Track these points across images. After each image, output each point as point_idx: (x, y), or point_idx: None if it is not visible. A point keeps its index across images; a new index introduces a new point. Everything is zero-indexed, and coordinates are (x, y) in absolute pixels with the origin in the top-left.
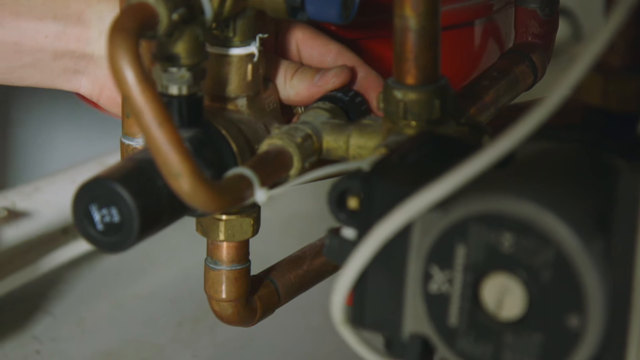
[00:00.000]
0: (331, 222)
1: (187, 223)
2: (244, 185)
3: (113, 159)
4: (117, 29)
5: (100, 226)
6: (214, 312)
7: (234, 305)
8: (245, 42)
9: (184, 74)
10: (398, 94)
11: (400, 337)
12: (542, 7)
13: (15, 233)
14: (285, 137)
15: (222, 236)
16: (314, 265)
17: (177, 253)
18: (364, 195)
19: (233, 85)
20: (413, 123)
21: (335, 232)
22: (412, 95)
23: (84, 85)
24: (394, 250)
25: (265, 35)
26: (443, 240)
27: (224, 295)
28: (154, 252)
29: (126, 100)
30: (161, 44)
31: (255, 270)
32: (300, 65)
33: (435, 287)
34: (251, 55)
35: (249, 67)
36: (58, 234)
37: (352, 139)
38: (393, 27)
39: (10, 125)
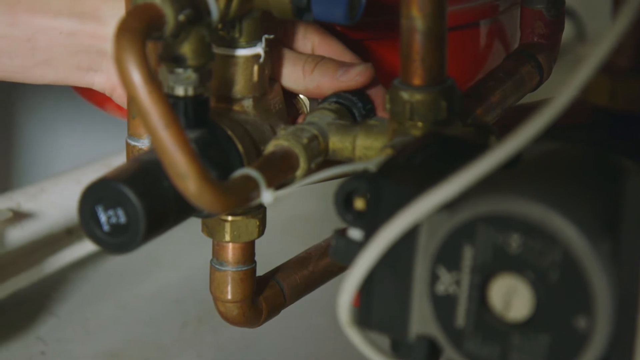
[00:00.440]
0: (336, 222)
1: (192, 224)
2: (251, 186)
3: (118, 160)
4: (124, 30)
5: (106, 227)
6: (220, 313)
7: (239, 306)
8: (252, 43)
9: (190, 75)
10: (404, 95)
11: (406, 338)
12: (548, 7)
13: (20, 234)
14: (291, 138)
15: (227, 237)
16: (319, 266)
17: (181, 254)
18: (370, 196)
19: (239, 86)
20: (419, 124)
21: (341, 233)
22: (418, 96)
23: (97, 82)
24: (401, 252)
25: (272, 36)
26: (450, 242)
27: (229, 296)
28: (158, 253)
29: (133, 101)
30: (167, 45)
31: (260, 270)
32: (321, 59)
33: (442, 288)
34: (257, 56)
35: (255, 67)
36: (63, 234)
37: (358, 139)
38: (399, 27)
39: (15, 126)
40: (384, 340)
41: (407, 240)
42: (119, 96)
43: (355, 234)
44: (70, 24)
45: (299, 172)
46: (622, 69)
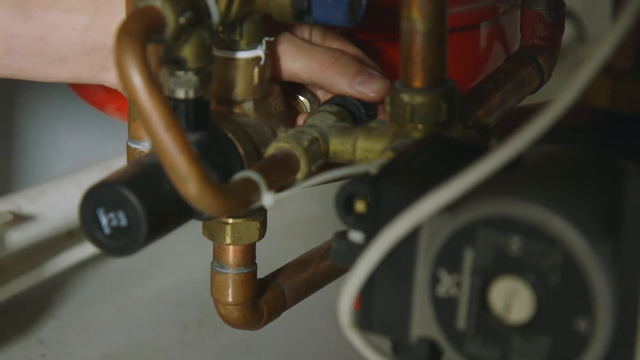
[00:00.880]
0: (337, 224)
1: (192, 226)
2: (251, 189)
3: (119, 162)
4: (125, 33)
5: (107, 230)
6: (221, 315)
7: (240, 309)
8: (252, 46)
9: (191, 77)
10: (405, 97)
11: (407, 341)
12: (548, 9)
13: (21, 236)
14: (292, 141)
15: (228, 240)
16: (320, 268)
17: (182, 256)
18: (371, 199)
19: (239, 89)
20: (420, 126)
21: (342, 236)
22: (419, 98)
23: (110, 79)
24: (402, 254)
25: (272, 39)
26: (451, 244)
27: (230, 299)
28: (159, 255)
29: (133, 104)
30: (168, 47)
31: (260, 273)
32: (341, 54)
33: (443, 290)
34: (258, 58)
35: (256, 70)
36: (63, 237)
37: (359, 142)
38: (400, 29)
39: (15, 129)
40: (385, 343)
41: (408, 243)
42: None
43: (356, 236)
44: (83, 19)
45: (299, 175)
46: (622, 71)
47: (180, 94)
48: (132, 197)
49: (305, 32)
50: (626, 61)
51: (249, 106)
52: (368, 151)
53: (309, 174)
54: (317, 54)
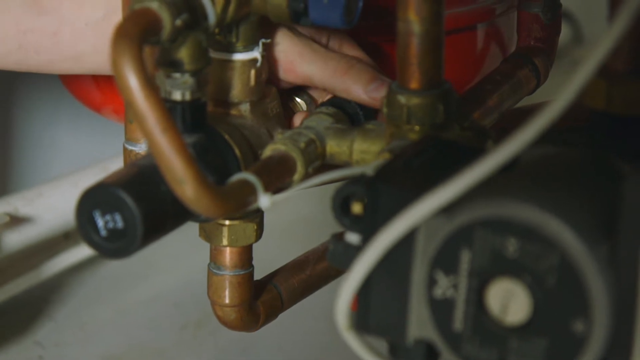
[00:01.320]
0: (333, 226)
1: (189, 227)
2: (248, 191)
3: (116, 164)
4: (121, 35)
5: (103, 232)
6: (218, 317)
7: (237, 311)
8: (248, 48)
9: (187, 79)
10: (402, 99)
11: (404, 343)
12: (545, 11)
13: (18, 238)
14: (288, 142)
15: (225, 241)
16: (316, 269)
17: (179, 257)
18: (368, 200)
19: (236, 91)
20: (417, 127)
21: (338, 237)
22: (415, 100)
23: None
24: (399, 256)
25: (268, 40)
26: (448, 246)
27: (227, 301)
28: (156, 257)
29: (130, 106)
30: (164, 49)
31: (257, 274)
32: (357, 62)
33: (440, 292)
34: (254, 60)
35: (252, 72)
36: (60, 239)
37: (356, 143)
38: (396, 31)
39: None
40: (382, 344)
41: (405, 245)
42: None
43: (352, 238)
44: (96, 14)
45: (296, 177)
46: (618, 72)
47: (177, 95)
48: (129, 199)
49: (323, 38)
50: (622, 63)
51: (245, 108)
52: (365, 153)
53: (306, 176)
54: (332, 59)
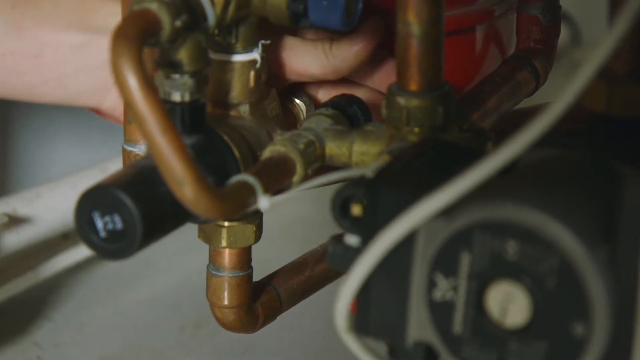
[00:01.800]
0: (332, 227)
1: (188, 228)
2: (247, 192)
3: (114, 165)
4: (120, 36)
5: (103, 233)
6: (216, 318)
7: (236, 312)
8: (248, 49)
9: (187, 80)
10: (401, 101)
11: (404, 345)
12: (544, 12)
13: (16, 239)
14: (288, 144)
15: (224, 243)
16: (315, 271)
17: (177, 258)
18: (367, 202)
19: (235, 92)
20: (416, 129)
21: (338, 239)
22: (415, 102)
23: (108, 100)
24: (398, 258)
25: (268, 42)
26: (447, 248)
27: (226, 302)
28: (154, 258)
29: (129, 107)
30: (164, 50)
31: (255, 275)
32: (332, 37)
33: (439, 294)
34: (254, 61)
35: (252, 73)
36: (59, 239)
37: (355, 145)
38: (396, 33)
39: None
40: (381, 346)
41: (404, 247)
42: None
43: (352, 240)
44: (80, 38)
45: (295, 178)
46: (618, 75)
47: (176, 97)
48: (128, 201)
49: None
50: (622, 65)
51: (245, 109)
52: (364, 154)
53: (305, 177)
54: (318, 43)
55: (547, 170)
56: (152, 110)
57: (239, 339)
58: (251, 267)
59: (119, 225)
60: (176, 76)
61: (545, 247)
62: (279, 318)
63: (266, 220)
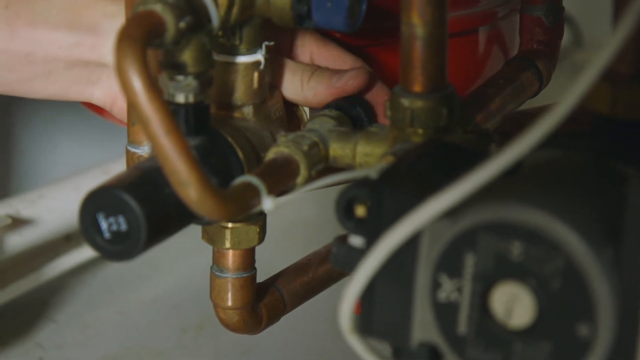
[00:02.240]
0: (336, 228)
1: (191, 229)
2: (251, 194)
3: (117, 166)
4: (125, 38)
5: (107, 235)
6: (220, 319)
7: (239, 313)
8: (252, 50)
9: (191, 82)
10: (405, 102)
11: (408, 346)
12: (547, 14)
13: (19, 240)
14: (291, 145)
15: (228, 244)
16: (319, 272)
17: (180, 259)
18: (371, 203)
19: (239, 93)
20: (420, 131)
21: (342, 240)
22: (419, 103)
23: (96, 96)
24: (403, 259)
25: (272, 43)
26: (452, 249)
27: (230, 303)
28: (157, 259)
29: (133, 108)
30: (168, 52)
31: (259, 276)
32: (317, 68)
33: (444, 295)
34: (257, 63)
35: (255, 74)
36: (61, 241)
37: (359, 146)
38: (400, 34)
39: (13, 133)
40: (385, 347)
41: (409, 248)
42: (119, 110)
43: (356, 241)
44: (70, 38)
45: (299, 179)
46: (622, 77)
47: (180, 98)
48: (132, 202)
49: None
50: (626, 67)
51: (248, 110)
52: (368, 156)
53: (309, 179)
54: (297, 71)
55: (551, 172)
56: (156, 112)
57: (241, 340)
58: (255, 268)
59: (124, 226)
60: (180, 78)
61: (550, 248)
62: (282, 319)
63: (269, 222)
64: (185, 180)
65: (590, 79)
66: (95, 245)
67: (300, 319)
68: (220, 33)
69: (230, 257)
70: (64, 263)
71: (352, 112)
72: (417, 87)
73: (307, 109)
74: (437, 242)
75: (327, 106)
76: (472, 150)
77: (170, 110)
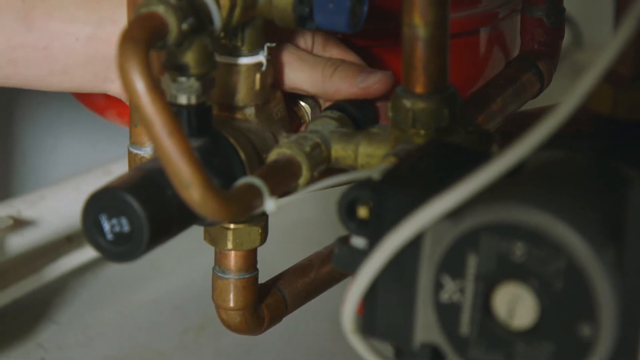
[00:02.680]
0: (337, 229)
1: (193, 230)
2: (254, 195)
3: (118, 167)
4: (127, 39)
5: (110, 236)
6: (222, 320)
7: (241, 314)
8: (254, 52)
9: (193, 83)
10: (407, 103)
11: (410, 347)
12: (548, 15)
13: (21, 241)
14: (294, 146)
15: (230, 245)
16: (320, 273)
17: (182, 260)
18: (374, 205)
19: (241, 94)
20: (422, 131)
21: (344, 241)
22: (421, 104)
23: (113, 89)
24: (405, 260)
25: (273, 44)
26: (454, 250)
27: (232, 304)
28: (159, 259)
29: (136, 110)
30: (170, 53)
31: (260, 277)
32: (340, 63)
33: (446, 296)
34: (259, 64)
35: (257, 76)
36: (63, 242)
37: (361, 147)
38: (401, 35)
39: (14, 134)
40: (388, 348)
41: (411, 249)
42: None
43: (358, 242)
44: (87, 29)
45: (301, 180)
46: (624, 78)
47: (183, 99)
48: (135, 203)
49: (307, 40)
50: (628, 69)
51: (250, 112)
52: (370, 157)
53: (311, 180)
54: (319, 64)
55: (553, 173)
56: (159, 113)
57: (242, 341)
58: (257, 269)
59: (126, 227)
60: (183, 79)
61: (552, 248)
62: (284, 320)
63: (271, 223)
64: (188, 182)
65: (592, 81)
66: (97, 247)
67: (301, 319)
68: (222, 34)
69: (233, 258)
70: (66, 264)
71: (353, 113)
72: (419, 88)
73: (308, 110)
74: (439, 243)
75: (329, 107)
76: (473, 150)
77: (173, 111)
